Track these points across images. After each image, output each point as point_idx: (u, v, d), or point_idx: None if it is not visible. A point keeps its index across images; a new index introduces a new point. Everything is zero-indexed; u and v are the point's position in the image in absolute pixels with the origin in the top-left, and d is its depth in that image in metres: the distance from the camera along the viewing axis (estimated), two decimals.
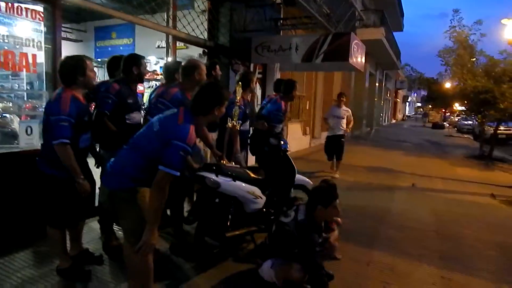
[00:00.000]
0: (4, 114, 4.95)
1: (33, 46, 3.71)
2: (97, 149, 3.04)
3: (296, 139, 9.85)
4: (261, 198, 3.14)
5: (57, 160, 2.40)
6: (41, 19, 3.70)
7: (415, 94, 64.25)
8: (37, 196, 2.68)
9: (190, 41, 5.83)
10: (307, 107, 11.06)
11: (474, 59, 10.43)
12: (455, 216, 4.75)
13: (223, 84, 5.47)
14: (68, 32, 9.42)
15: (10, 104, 4.78)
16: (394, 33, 24.29)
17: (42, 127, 2.60)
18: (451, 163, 9.73)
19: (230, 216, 2.92)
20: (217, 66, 3.92)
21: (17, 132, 3.96)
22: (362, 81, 18.47)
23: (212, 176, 2.77)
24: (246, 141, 3.77)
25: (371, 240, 3.67)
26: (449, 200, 5.66)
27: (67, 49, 9.70)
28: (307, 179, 3.78)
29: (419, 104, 65.97)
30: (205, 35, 6.07)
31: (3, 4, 3.44)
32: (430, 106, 38.20)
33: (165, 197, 1.99)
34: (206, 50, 6.30)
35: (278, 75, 8.36)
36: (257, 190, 3.06)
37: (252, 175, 3.06)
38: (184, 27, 5.51)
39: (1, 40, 3.47)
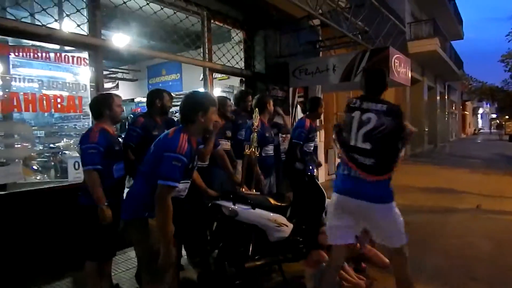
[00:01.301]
0: (64, 152, 5.52)
1: (80, 89, 4.12)
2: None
3: None
4: (286, 226, 3.02)
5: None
6: (85, 64, 4.11)
7: (488, 105, 58.78)
8: (78, 229, 2.81)
9: (226, 71, 6.04)
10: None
11: None
12: None
13: None
14: (125, 72, 10.37)
15: (71, 142, 5.31)
16: (454, 42, 22.86)
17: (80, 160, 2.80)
18: None
19: (251, 246, 2.84)
20: (270, 101, 3.94)
21: None
22: (420, 95, 17.42)
23: (230, 205, 2.75)
24: (270, 167, 3.71)
25: (412, 269, 3.28)
26: None
27: (125, 89, 10.69)
28: None
29: (494, 116, 60.06)
30: (242, 64, 6.25)
31: (52, 54, 3.88)
32: (506, 116, 34.59)
33: (169, 211, 1.99)
34: (243, 79, 6.47)
35: (320, 96, 8.25)
36: (280, 218, 2.96)
37: (274, 202, 2.97)
38: (219, 58, 5.73)
39: (52, 87, 3.90)
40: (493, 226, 4.81)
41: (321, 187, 3.40)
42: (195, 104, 2.18)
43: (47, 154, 5.79)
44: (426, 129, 18.09)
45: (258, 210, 2.83)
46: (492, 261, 3.62)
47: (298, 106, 7.40)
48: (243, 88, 6.31)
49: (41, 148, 5.51)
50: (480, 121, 60.28)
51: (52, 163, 5.59)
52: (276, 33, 6.59)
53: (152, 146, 2.18)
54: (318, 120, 4.75)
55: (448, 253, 3.75)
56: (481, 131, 48.22)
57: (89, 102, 3.98)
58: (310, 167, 3.54)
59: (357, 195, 2.20)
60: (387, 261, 2.75)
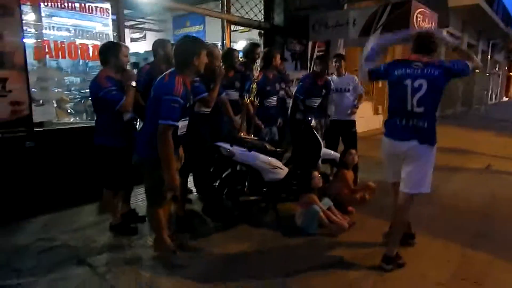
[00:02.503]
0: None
1: (104, 38, 4.45)
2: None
3: (365, 118, 9.48)
4: (280, 168, 3.36)
5: (107, 131, 2.93)
6: (107, 14, 4.40)
7: None
8: (95, 163, 3.19)
9: (244, 24, 6.13)
10: (380, 85, 10.48)
11: None
12: None
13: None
14: (152, 23, 10.61)
15: None
16: None
17: (92, 104, 3.14)
18: None
19: (246, 184, 3.22)
20: (277, 56, 4.02)
21: None
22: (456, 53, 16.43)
23: (228, 146, 3.09)
24: (272, 117, 3.97)
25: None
26: None
27: (152, 39, 10.94)
28: (336, 153, 3.84)
29: None
30: (261, 16, 6.30)
31: (77, 5, 4.19)
32: None
33: (170, 146, 2.28)
34: (262, 32, 6.53)
35: (342, 52, 8.15)
36: (274, 161, 3.29)
37: (269, 147, 3.29)
38: (237, 10, 5.82)
39: (79, 36, 4.25)
40: (497, 184, 4.91)
41: (318, 136, 3.65)
42: (188, 49, 2.38)
43: (79, 99, 6.34)
44: (460, 91, 17.28)
45: (253, 153, 3.17)
46: (485, 213, 3.82)
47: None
48: (256, 42, 6.41)
49: (74, 93, 6.04)
50: None
51: (83, 107, 6.15)
52: None
53: (151, 90, 2.46)
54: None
55: (442, 205, 3.94)
56: None
57: None
58: (309, 118, 3.76)
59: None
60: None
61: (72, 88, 5.48)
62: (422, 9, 5.96)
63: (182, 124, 2.48)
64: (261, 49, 4.29)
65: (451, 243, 3.07)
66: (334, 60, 4.73)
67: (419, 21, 5.93)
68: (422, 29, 5.47)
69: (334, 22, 6.44)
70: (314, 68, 4.21)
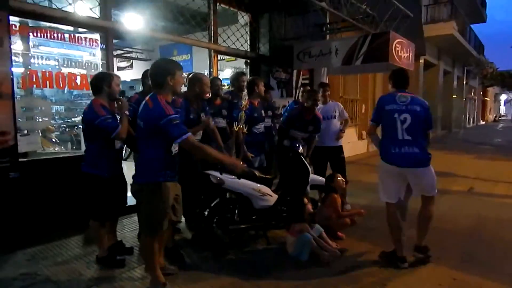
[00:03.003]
0: (79, 126, 5.97)
1: (92, 67, 4.49)
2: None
3: (351, 143, 9.68)
4: (270, 195, 3.37)
5: (94, 161, 2.91)
6: (97, 44, 4.46)
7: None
8: (82, 193, 3.11)
9: (231, 53, 6.30)
10: (363, 111, 10.78)
11: None
12: (502, 222, 4.34)
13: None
14: (139, 52, 10.74)
15: None
16: (476, 25, 22.17)
17: (83, 134, 3.17)
18: None
19: (236, 211, 3.21)
20: (260, 83, 4.05)
21: None
22: (434, 79, 17.18)
23: (217, 174, 3.10)
24: (261, 144, 4.03)
25: (388, 239, 3.58)
26: (504, 205, 5.14)
27: (139, 68, 11.05)
28: (323, 179, 3.88)
29: None
30: (247, 46, 6.49)
31: (67, 35, 4.24)
32: None
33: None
34: (248, 61, 6.71)
35: (325, 80, 8.40)
36: (264, 188, 3.30)
37: (259, 174, 3.31)
38: (224, 41, 5.98)
39: (67, 65, 4.27)
40: (481, 206, 5.02)
41: (306, 163, 3.70)
42: (163, 69, 2.44)
43: (64, 128, 6.28)
44: (439, 115, 17.88)
45: (243, 180, 3.18)
46: (471, 235, 3.89)
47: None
48: (243, 70, 6.56)
49: (59, 122, 5.99)
50: (503, 107, 58.37)
51: (69, 136, 6.08)
52: (281, 15, 6.76)
53: (138, 121, 2.47)
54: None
55: (431, 228, 3.90)
56: (502, 118, 46.76)
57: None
58: (296, 145, 3.82)
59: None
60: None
61: (56, 117, 5.45)
62: (400, 39, 6.27)
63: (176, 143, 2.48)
64: (246, 78, 4.41)
65: (441, 266, 3.10)
66: (319, 89, 4.81)
67: (398, 50, 6.22)
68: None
69: (317, 51, 6.68)
70: (304, 101, 4.18)
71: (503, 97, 46.93)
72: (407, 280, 2.87)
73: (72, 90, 5.09)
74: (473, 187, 6.09)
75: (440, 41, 15.08)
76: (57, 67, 4.15)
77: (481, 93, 35.39)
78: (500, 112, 52.63)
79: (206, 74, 9.16)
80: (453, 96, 20.79)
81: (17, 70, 3.78)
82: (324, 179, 3.86)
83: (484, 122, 37.41)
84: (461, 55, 18.84)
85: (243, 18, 6.57)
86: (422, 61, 14.71)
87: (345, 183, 4.11)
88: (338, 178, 3.84)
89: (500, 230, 4.06)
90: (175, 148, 2.51)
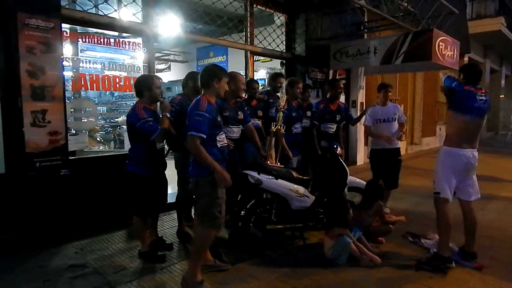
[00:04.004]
0: (122, 126, 6.26)
1: (135, 70, 4.68)
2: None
3: None
4: (307, 197, 3.35)
5: (139, 160, 3.04)
6: (139, 48, 4.65)
7: None
8: (126, 191, 3.23)
9: (267, 54, 6.33)
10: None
11: None
12: None
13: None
14: (176, 54, 11.06)
15: None
16: None
17: (128, 135, 3.29)
18: None
19: (273, 211, 3.21)
20: (297, 84, 4.12)
21: None
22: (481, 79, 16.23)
23: (255, 174, 3.12)
24: (300, 144, 4.04)
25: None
26: None
27: (176, 70, 11.40)
28: (362, 181, 3.79)
29: None
30: (283, 47, 6.49)
31: (112, 40, 4.46)
32: None
33: (201, 152, 2.45)
34: (283, 61, 6.71)
35: (363, 80, 8.23)
36: (301, 189, 3.29)
37: (296, 175, 3.30)
38: (260, 42, 6.03)
39: (112, 68, 4.49)
40: None
41: (344, 164, 3.64)
42: (212, 73, 2.66)
43: (108, 128, 6.61)
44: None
45: (280, 181, 3.18)
46: None
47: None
48: (278, 71, 6.56)
49: (102, 122, 6.31)
50: None
51: (112, 136, 6.40)
52: (318, 15, 6.69)
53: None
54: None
55: (479, 236, 3.72)
56: None
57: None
58: (334, 146, 3.77)
59: None
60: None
61: (99, 118, 5.74)
62: (444, 37, 6.00)
63: (220, 137, 2.66)
64: (283, 79, 4.42)
65: (489, 276, 2.92)
66: (380, 90, 4.58)
67: (441, 49, 5.96)
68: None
69: (355, 50, 6.55)
70: (327, 92, 4.41)
71: None
72: None
73: (114, 92, 5.35)
74: None
75: (487, 38, 14.22)
76: (102, 70, 4.38)
77: None
78: None
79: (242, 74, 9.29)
80: (501, 96, 19.55)
81: (67, 74, 4.03)
82: (364, 182, 3.76)
83: None
84: (509, 52, 17.66)
85: (279, 19, 6.58)
86: (466, 59, 13.95)
87: (395, 187, 4.36)
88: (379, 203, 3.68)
89: None
90: (221, 142, 2.67)
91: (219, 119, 2.66)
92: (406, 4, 6.10)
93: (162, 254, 3.22)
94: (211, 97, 2.65)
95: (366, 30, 7.61)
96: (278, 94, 4.14)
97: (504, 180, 6.90)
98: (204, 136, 2.47)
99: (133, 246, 3.39)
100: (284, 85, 4.14)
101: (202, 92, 2.66)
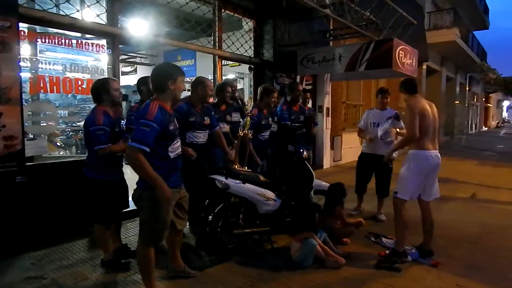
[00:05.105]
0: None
1: (99, 73, 4.54)
2: None
3: (353, 148, 9.69)
4: (274, 200, 3.39)
5: (97, 166, 2.95)
6: (103, 50, 4.51)
7: None
8: (86, 197, 3.11)
9: (235, 59, 6.36)
10: None
11: None
12: (506, 228, 4.34)
13: None
14: (143, 57, 10.82)
15: None
16: (479, 32, 22.22)
17: (84, 139, 3.10)
18: None
19: (241, 216, 3.22)
20: (227, 88, 4.02)
21: None
22: (437, 86, 17.20)
23: (223, 179, 3.12)
24: (265, 150, 4.11)
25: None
26: (507, 212, 5.15)
27: (143, 73, 11.15)
28: (327, 184, 3.90)
29: None
30: (251, 52, 6.54)
31: (74, 41, 4.30)
32: None
33: (140, 165, 2.19)
34: (252, 66, 6.76)
35: (328, 85, 8.46)
36: (268, 193, 3.32)
37: (263, 179, 3.33)
38: (228, 46, 6.04)
39: (74, 70, 4.32)
40: (484, 213, 5.02)
41: (310, 168, 3.72)
42: (164, 74, 2.37)
43: (70, 132, 6.33)
44: (442, 121, 17.86)
45: (248, 185, 3.20)
46: (475, 242, 3.89)
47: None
48: (247, 76, 6.58)
49: (63, 126, 6.03)
50: (506, 113, 58.23)
51: (74, 140, 6.14)
52: (285, 22, 6.82)
53: None
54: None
55: (435, 235, 3.90)
56: (504, 124, 46.55)
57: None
58: (301, 150, 3.85)
59: None
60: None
61: (60, 121, 5.49)
62: (404, 46, 6.31)
63: (173, 147, 2.43)
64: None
65: (445, 272, 3.10)
66: (377, 95, 4.78)
67: (401, 57, 6.27)
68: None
69: (321, 57, 6.75)
70: (288, 94, 4.61)
71: (506, 103, 46.82)
72: (411, 286, 2.88)
73: (76, 94, 5.13)
74: (476, 194, 6.08)
75: (443, 47, 15.10)
76: (64, 72, 4.20)
77: (483, 99, 35.36)
78: (503, 118, 52.45)
79: (210, 79, 9.26)
80: (456, 102, 20.79)
81: (25, 75, 3.83)
82: (328, 185, 3.87)
83: (486, 128, 37.34)
84: (463, 61, 18.83)
85: (248, 24, 6.63)
86: (424, 67, 14.74)
87: (386, 195, 4.49)
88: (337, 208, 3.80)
89: (503, 237, 4.05)
90: (174, 153, 2.44)
91: (171, 128, 2.37)
92: (369, 14, 6.36)
93: (126, 261, 3.13)
94: (164, 102, 2.37)
95: (331, 38, 7.86)
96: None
97: (459, 181, 7.33)
98: (148, 150, 2.19)
99: (95, 255, 3.27)
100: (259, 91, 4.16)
101: (154, 96, 2.37)
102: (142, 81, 3.62)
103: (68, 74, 4.22)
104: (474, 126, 30.21)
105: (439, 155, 3.32)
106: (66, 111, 5.94)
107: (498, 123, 44.33)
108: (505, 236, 4.10)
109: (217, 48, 5.79)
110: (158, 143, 2.30)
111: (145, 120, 2.21)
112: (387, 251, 3.38)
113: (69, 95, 5.71)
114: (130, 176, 3.27)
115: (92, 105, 4.57)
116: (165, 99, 2.39)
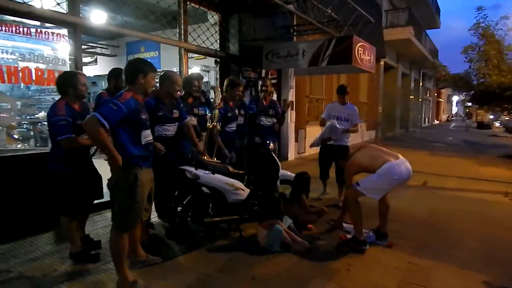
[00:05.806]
0: (43, 122, 5.79)
1: (59, 63, 4.39)
2: None
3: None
4: (242, 190, 3.52)
5: (62, 158, 2.91)
6: (65, 40, 4.38)
7: (464, 93, 60.53)
8: (50, 190, 3.08)
9: (201, 52, 6.37)
10: None
11: (504, 54, 10.05)
12: (454, 212, 4.79)
13: None
14: (104, 48, 10.47)
15: None
16: (431, 31, 23.54)
17: (48, 131, 3.06)
18: (479, 162, 9.41)
19: (210, 205, 3.33)
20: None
21: None
22: (393, 81, 18.12)
23: (192, 169, 3.21)
24: (233, 142, 4.24)
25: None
26: (455, 197, 5.65)
27: (104, 64, 10.79)
28: (292, 174, 4.10)
29: (469, 104, 61.95)
30: (217, 45, 6.58)
31: (33, 30, 4.13)
32: (476, 106, 35.90)
33: (95, 136, 2.31)
34: (218, 60, 6.81)
35: (292, 80, 8.69)
36: (237, 183, 3.45)
37: (232, 169, 3.45)
38: (194, 39, 6.05)
39: (33, 60, 4.17)
40: (434, 199, 5.49)
41: (276, 159, 3.89)
42: (136, 68, 2.55)
43: (27, 124, 6.06)
44: (398, 115, 18.89)
45: (217, 175, 3.31)
46: (426, 225, 4.27)
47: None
48: (212, 69, 6.62)
49: (19, 118, 5.76)
50: (455, 108, 62.26)
51: (32, 133, 5.88)
52: (250, 16, 6.92)
53: None
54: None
55: (390, 220, 4.20)
56: (453, 118, 49.87)
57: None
58: (267, 142, 4.01)
59: None
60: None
61: (12, 113, 5.25)
62: (363, 43, 6.65)
63: (145, 134, 2.57)
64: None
65: (399, 252, 3.41)
66: (337, 93, 5.20)
67: (360, 53, 6.60)
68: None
69: (285, 52, 6.93)
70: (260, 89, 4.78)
71: (455, 98, 50.12)
72: (368, 265, 3.14)
73: (29, 85, 4.92)
74: (427, 182, 6.59)
75: (399, 45, 15.94)
76: (16, 61, 4.03)
77: (435, 94, 37.62)
78: (453, 112, 56.13)
79: (176, 71, 9.18)
80: (411, 97, 22.02)
81: None
82: (293, 175, 4.06)
83: (438, 122, 39.83)
84: (417, 58, 19.96)
85: (213, 17, 6.66)
86: (382, 63, 15.50)
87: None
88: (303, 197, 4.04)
89: (451, 220, 4.47)
90: (146, 139, 2.57)
91: (144, 117, 2.53)
92: (330, 11, 6.62)
93: (95, 253, 3.13)
94: (136, 93, 2.53)
95: (295, 34, 8.07)
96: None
97: (413, 170, 7.85)
98: (107, 126, 2.29)
99: (62, 248, 3.24)
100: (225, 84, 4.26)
101: (127, 87, 2.54)
102: (112, 72, 3.71)
103: (28, 64, 4.06)
104: (427, 119, 32.12)
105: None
106: (19, 103, 5.69)
107: (448, 116, 47.42)
108: (452, 218, 4.53)
109: (182, 40, 5.78)
110: (132, 129, 2.46)
111: (116, 100, 2.38)
112: (347, 235, 3.63)
113: (21, 86, 5.47)
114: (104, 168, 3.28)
115: (49, 97, 4.40)
116: (136, 91, 2.54)
